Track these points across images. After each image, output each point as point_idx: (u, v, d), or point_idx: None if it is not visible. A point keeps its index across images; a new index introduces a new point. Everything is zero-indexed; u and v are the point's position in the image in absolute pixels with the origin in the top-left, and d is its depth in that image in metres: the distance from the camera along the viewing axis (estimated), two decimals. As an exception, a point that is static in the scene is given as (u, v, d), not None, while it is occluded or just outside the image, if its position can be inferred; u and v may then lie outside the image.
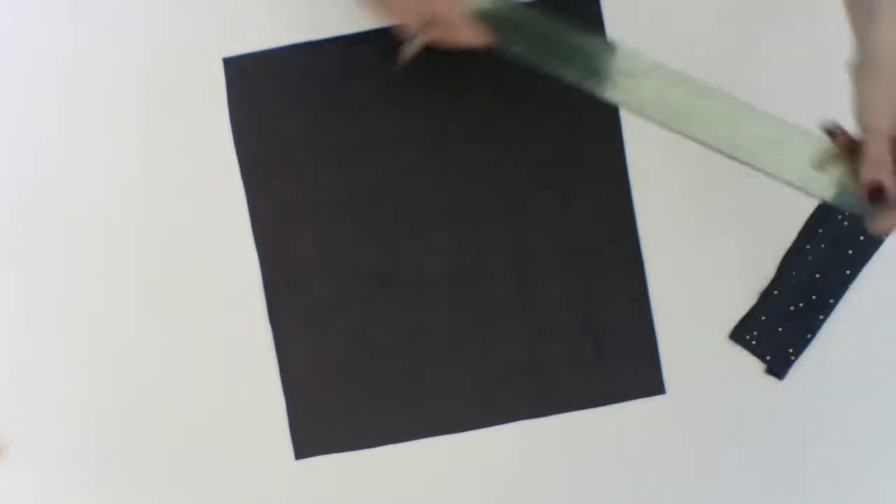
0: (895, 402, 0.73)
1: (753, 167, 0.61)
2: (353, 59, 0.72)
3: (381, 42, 0.72)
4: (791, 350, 0.72)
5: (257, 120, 0.72)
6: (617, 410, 0.73)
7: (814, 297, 0.72)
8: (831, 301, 0.72)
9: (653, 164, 0.73)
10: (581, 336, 0.72)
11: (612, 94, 0.62)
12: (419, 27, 0.63)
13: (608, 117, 0.72)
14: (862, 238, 0.72)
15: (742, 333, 0.72)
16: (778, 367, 0.72)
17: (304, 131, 0.72)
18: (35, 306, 0.72)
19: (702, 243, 0.73)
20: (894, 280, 0.73)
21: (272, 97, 0.72)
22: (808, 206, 0.73)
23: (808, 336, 0.72)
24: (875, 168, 0.57)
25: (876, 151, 0.56)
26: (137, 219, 0.72)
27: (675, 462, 0.73)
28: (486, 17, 0.63)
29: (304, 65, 0.72)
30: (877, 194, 0.58)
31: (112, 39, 0.72)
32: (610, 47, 0.63)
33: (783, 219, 0.73)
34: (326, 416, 0.72)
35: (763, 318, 0.72)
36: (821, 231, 0.72)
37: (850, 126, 0.58)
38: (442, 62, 0.72)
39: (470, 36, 0.63)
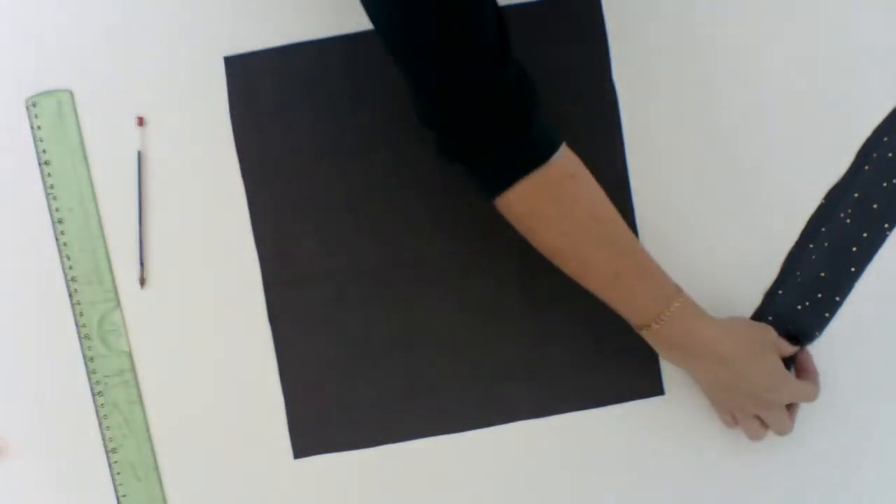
0: (893, 402, 0.73)
1: None
2: (354, 59, 0.72)
3: (379, 43, 0.72)
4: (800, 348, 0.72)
5: (257, 119, 0.72)
6: (617, 410, 0.73)
7: (820, 296, 0.72)
8: (837, 299, 0.72)
9: (653, 164, 0.72)
10: (581, 336, 0.72)
11: None
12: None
13: (608, 118, 0.71)
14: (865, 235, 0.71)
15: None
16: (789, 364, 0.71)
17: (304, 131, 0.72)
18: (35, 306, 0.72)
19: (703, 244, 0.72)
20: (894, 280, 0.73)
21: (272, 96, 0.72)
22: (809, 206, 0.73)
23: (817, 333, 0.72)
24: None
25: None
26: (136, 218, 0.72)
27: (675, 462, 0.72)
28: None
29: (305, 64, 0.72)
30: None
31: (112, 38, 0.72)
32: None
33: (784, 219, 0.72)
34: (325, 415, 0.72)
35: (770, 318, 0.72)
36: (823, 230, 0.72)
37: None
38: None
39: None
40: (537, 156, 0.60)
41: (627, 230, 0.64)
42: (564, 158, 0.61)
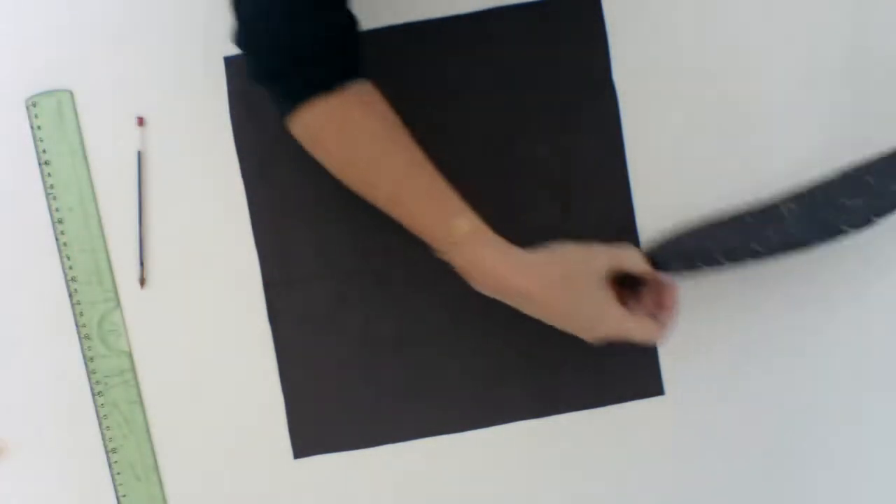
0: (893, 402, 0.73)
1: None
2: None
3: (379, 42, 0.72)
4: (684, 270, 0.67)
5: (257, 119, 0.72)
6: (617, 411, 0.73)
7: (707, 247, 0.66)
8: (719, 259, 0.66)
9: (653, 164, 0.72)
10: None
11: None
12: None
13: (608, 118, 0.71)
14: (794, 231, 0.66)
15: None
16: (663, 266, 0.67)
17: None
18: (35, 306, 0.72)
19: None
20: (893, 279, 0.72)
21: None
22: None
23: (673, 265, 0.67)
24: None
25: None
26: (136, 218, 0.72)
27: (675, 462, 0.72)
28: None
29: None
30: None
31: (112, 38, 0.72)
32: None
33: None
34: (325, 415, 0.72)
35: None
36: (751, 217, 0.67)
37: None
38: (442, 69, 0.72)
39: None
40: (331, 81, 0.62)
41: (417, 154, 0.64)
42: (361, 90, 0.64)
